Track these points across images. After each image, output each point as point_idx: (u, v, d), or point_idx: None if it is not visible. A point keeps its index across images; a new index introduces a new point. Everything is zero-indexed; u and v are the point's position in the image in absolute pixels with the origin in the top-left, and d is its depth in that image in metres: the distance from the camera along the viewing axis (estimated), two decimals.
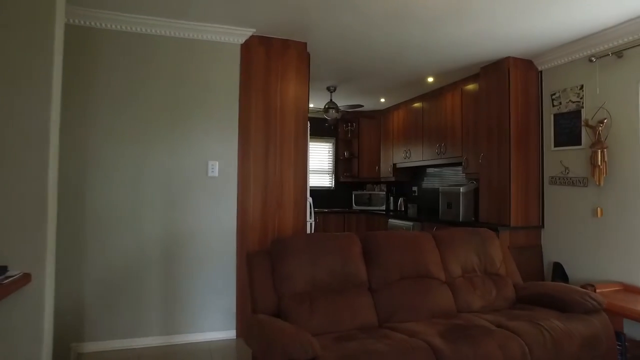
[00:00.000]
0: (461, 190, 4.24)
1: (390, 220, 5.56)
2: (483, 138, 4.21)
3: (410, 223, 5.00)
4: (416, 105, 5.67)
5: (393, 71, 4.53)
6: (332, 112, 5.20)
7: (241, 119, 3.39)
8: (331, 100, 5.30)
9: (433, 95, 5.34)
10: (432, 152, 5.26)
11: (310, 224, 3.63)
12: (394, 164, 6.28)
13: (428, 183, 5.94)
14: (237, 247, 3.31)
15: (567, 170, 3.75)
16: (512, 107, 3.93)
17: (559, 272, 3.68)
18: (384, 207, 6.63)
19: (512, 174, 3.90)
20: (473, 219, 4.33)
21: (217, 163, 3.28)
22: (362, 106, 4.81)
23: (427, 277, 2.68)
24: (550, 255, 3.90)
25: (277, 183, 3.47)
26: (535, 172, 4.00)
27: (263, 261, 2.43)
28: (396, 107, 6.27)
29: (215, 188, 3.27)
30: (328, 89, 5.26)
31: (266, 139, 3.45)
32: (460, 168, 5.10)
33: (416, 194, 6.18)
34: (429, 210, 5.78)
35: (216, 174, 3.27)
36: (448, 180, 5.41)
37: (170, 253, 3.15)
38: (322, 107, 5.29)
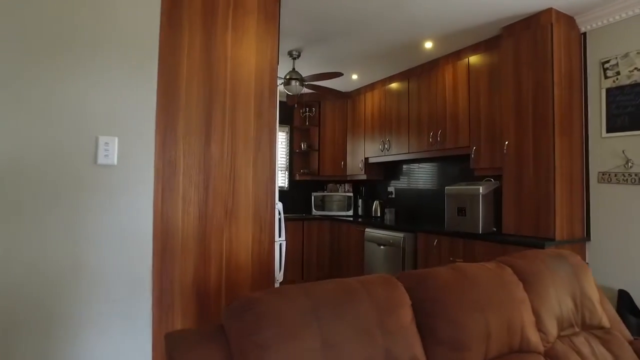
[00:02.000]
0: (480, 191, 3.10)
1: (367, 230, 4.31)
2: (508, 122, 3.11)
3: (399, 235, 3.79)
4: (398, 84, 4.49)
5: (381, 30, 3.29)
6: (295, 84, 3.83)
7: (163, 70, 1.90)
8: (294, 69, 3.93)
9: (423, 70, 4.19)
10: (422, 142, 4.10)
11: (280, 245, 2.25)
12: (366, 159, 5.07)
13: (408, 182, 4.80)
14: (152, 285, 1.83)
15: (629, 164, 2.76)
16: (555, 79, 2.86)
17: (625, 303, 2.67)
18: (351, 212, 5.39)
19: (556, 170, 2.83)
20: (494, 229, 3.21)
21: (116, 141, 1.77)
22: (340, 74, 3.52)
23: (527, 352, 1.44)
24: (601, 277, 2.89)
25: (226, 180, 2.04)
26: (578, 166, 2.98)
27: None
28: (370, 87, 5.06)
29: (112, 184, 1.76)
30: (290, 54, 3.89)
31: (207, 109, 2.00)
32: (459, 163, 4.00)
33: (393, 196, 5.01)
34: (411, 216, 4.63)
35: (113, 160, 1.76)
36: (441, 177, 4.30)
37: (16, 316, 1.58)
38: (282, 78, 3.90)
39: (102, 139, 1.74)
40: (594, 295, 1.87)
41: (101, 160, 1.74)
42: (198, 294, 1.94)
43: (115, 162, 1.77)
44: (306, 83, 3.92)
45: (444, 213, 4.14)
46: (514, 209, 3.03)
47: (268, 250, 2.12)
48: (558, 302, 1.71)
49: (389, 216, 4.78)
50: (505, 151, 3.11)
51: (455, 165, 4.11)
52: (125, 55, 1.79)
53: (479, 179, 3.68)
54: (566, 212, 2.87)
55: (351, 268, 4.75)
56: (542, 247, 2.68)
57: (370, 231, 4.23)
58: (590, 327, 1.79)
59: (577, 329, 1.75)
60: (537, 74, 2.93)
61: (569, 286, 1.79)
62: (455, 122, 3.72)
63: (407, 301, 1.28)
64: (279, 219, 2.24)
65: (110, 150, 1.76)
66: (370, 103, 4.99)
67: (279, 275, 2.21)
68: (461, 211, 3.22)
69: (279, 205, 2.22)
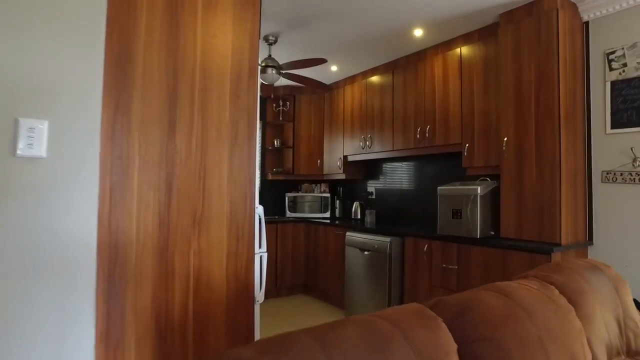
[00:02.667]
0: (479, 191, 2.82)
1: (348, 234, 3.97)
2: (507, 117, 2.86)
3: (385, 239, 3.47)
4: (382, 77, 4.18)
5: (368, 12, 2.96)
6: (272, 73, 3.43)
7: (113, 35, 1.46)
8: (270, 55, 3.52)
9: (410, 61, 3.91)
10: (408, 139, 3.81)
11: (261, 257, 1.86)
12: (345, 157, 4.73)
13: (390, 181, 4.50)
14: (96, 315, 1.39)
15: (637, 162, 2.56)
16: (561, 69, 2.62)
17: None
18: (327, 214, 5.04)
19: (562, 168, 2.59)
20: (492, 233, 2.95)
21: (46, 126, 1.32)
22: (324, 60, 3.15)
23: None
24: None
25: (195, 178, 1.62)
26: (581, 164, 2.76)
27: None
28: (351, 80, 4.73)
29: (39, 183, 1.31)
30: (266, 39, 3.49)
31: (171, 88, 1.57)
32: (449, 161, 3.74)
33: (373, 197, 4.71)
34: (393, 219, 4.34)
35: (40, 150, 1.31)
36: (427, 177, 4.02)
37: None
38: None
39: (25, 123, 1.29)
40: (636, 314, 1.60)
41: (23, 151, 1.28)
42: (158, 324, 1.51)
43: (44, 153, 1.31)
44: (284, 72, 3.52)
45: (431, 215, 3.87)
46: (514, 210, 2.78)
47: (246, 265, 1.72)
48: (605, 326, 1.43)
49: (370, 218, 4.47)
50: (504, 148, 2.85)
51: (444, 163, 3.85)
52: (62, 12, 1.34)
53: (471, 179, 3.43)
54: (571, 214, 2.65)
55: (330, 276, 4.40)
56: (549, 253, 2.43)
57: (351, 235, 3.89)
58: (636, 354, 1.52)
59: (623, 357, 1.48)
60: (540, 65, 2.69)
61: (612, 305, 1.52)
62: (446, 117, 3.45)
63: (452, 346, 0.93)
64: (260, 227, 1.85)
65: (36, 138, 1.31)
66: (350, 97, 4.66)
67: (260, 295, 1.81)
68: (456, 213, 2.94)
69: (259, 210, 1.83)
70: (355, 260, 3.82)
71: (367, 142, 4.33)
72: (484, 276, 2.77)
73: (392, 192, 4.45)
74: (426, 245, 3.21)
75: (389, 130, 4.05)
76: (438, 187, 3.10)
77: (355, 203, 4.65)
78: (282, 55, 3.85)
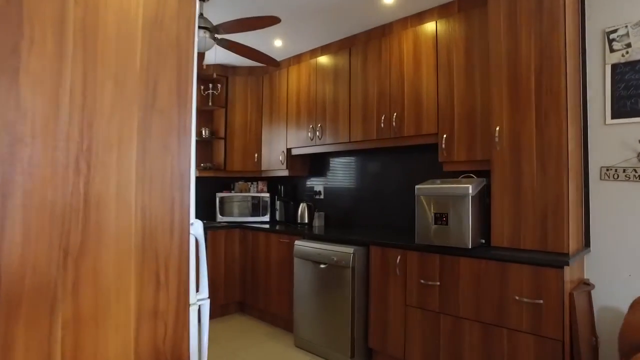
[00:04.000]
0: (470, 191, 2.30)
1: (297, 243, 3.27)
2: (500, 103, 2.38)
3: (348, 250, 2.84)
4: (336, 56, 3.54)
5: None
6: (204, 36, 2.60)
7: None
8: (202, 14, 2.69)
9: (370, 38, 3.32)
10: (369, 129, 3.22)
11: (200, 309, 1.09)
12: (289, 150, 4.02)
13: (339, 178, 3.89)
14: None
15: None
16: (568, 45, 2.19)
17: None
18: (267, 217, 4.29)
19: (570, 164, 2.16)
20: (482, 241, 2.45)
21: None
22: (277, 20, 2.39)
23: None
24: (606, 297, 2.33)
25: (64, 171, 0.82)
26: (578, 159, 2.37)
27: None
28: (297, 59, 4.02)
29: None
30: None
31: None
32: (421, 154, 3.22)
33: (321, 197, 4.06)
34: (345, 222, 3.74)
35: None
36: (391, 173, 3.47)
37: None
38: None
39: None
40: None
41: None
42: None
43: None
44: (221, 37, 2.71)
45: (398, 219, 3.33)
46: (509, 214, 2.31)
47: (175, 331, 0.95)
48: None
49: (318, 222, 3.82)
50: (496, 139, 2.37)
51: (416, 158, 3.32)
52: None
53: (449, 176, 2.93)
54: (574, 218, 2.24)
55: (274, 292, 3.67)
56: (560, 266, 1.97)
57: (302, 245, 3.20)
58: None
59: None
60: (542, 39, 2.23)
61: None
62: (417, 103, 2.91)
63: None
64: (198, 257, 1.08)
65: None
66: (296, 79, 3.96)
67: None
68: (441, 218, 2.39)
69: (196, 229, 1.07)
70: (307, 274, 3.14)
71: (317, 133, 3.67)
72: (475, 294, 2.26)
73: (344, 192, 3.85)
74: (399, 257, 2.64)
75: (344, 118, 3.43)
76: (416, 186, 2.54)
77: (301, 205, 3.97)
78: (215, 15, 3.02)
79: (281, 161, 4.07)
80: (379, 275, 2.77)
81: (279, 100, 4.14)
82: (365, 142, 3.27)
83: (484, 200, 2.46)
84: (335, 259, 2.90)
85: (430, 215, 2.45)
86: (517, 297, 2.10)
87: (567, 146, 2.14)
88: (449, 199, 2.37)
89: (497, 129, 2.37)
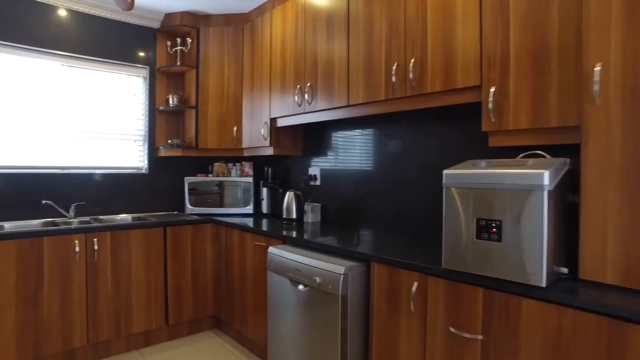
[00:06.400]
0: (545, 181, 1.26)
1: (271, 250, 2.31)
2: (609, 15, 1.29)
3: (336, 267, 1.85)
4: None
5: None
6: None
7: None
8: None
9: None
10: (374, 86, 2.18)
11: None
12: (273, 120, 3.04)
13: (341, 159, 2.88)
14: None
15: None
16: None
17: None
18: (250, 208, 3.35)
19: None
20: (563, 271, 1.41)
21: None
22: None
23: None
24: None
25: None
26: None
27: None
28: (282, 0, 2.99)
29: None
30: None
31: None
32: (454, 122, 2.18)
33: (317, 182, 3.07)
34: (350, 218, 2.75)
35: None
36: (413, 151, 2.44)
37: None
38: None
39: None
40: None
41: None
42: None
43: None
44: None
45: (421, 218, 2.33)
46: (619, 225, 1.26)
47: None
48: None
49: (312, 217, 2.85)
50: (595, 89, 1.30)
51: (444, 127, 2.28)
52: None
53: (499, 155, 1.90)
54: None
55: (249, 310, 2.76)
56: None
57: (277, 253, 2.24)
58: None
59: None
60: None
61: None
62: (448, 40, 1.84)
63: None
64: None
65: None
66: (281, 26, 2.93)
67: None
68: (488, 228, 1.37)
69: None
70: (282, 296, 2.19)
71: (306, 96, 2.66)
72: None
73: (348, 177, 2.84)
74: (415, 284, 1.64)
75: (341, 71, 2.40)
76: (444, 172, 1.50)
77: (288, 194, 2.99)
78: None
79: (263, 136, 3.09)
80: (384, 310, 1.79)
81: (262, 56, 3.13)
82: (370, 105, 2.24)
83: (565, 197, 1.42)
84: (318, 280, 1.93)
85: (470, 223, 1.42)
86: None
87: None
88: (503, 195, 1.33)
89: (598, 68, 1.30)
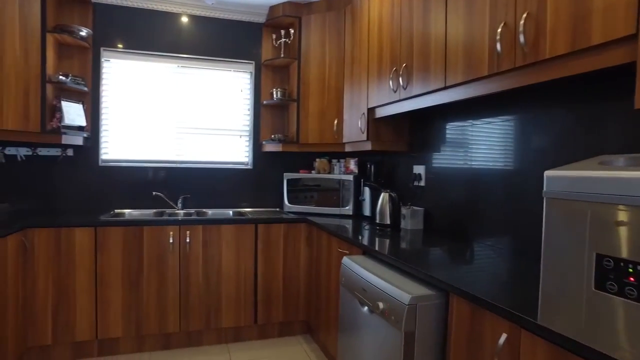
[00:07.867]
0: None
1: (344, 261, 1.98)
2: None
3: (403, 297, 1.43)
4: None
5: None
6: None
7: None
8: None
9: None
10: (478, 58, 1.64)
11: None
12: (370, 111, 2.68)
13: (451, 156, 2.35)
14: None
15: None
16: None
17: None
18: (349, 210, 3.07)
19: None
20: None
21: None
22: None
23: None
24: None
25: None
26: None
27: None
28: None
29: None
30: None
31: None
32: (591, 100, 1.52)
33: (421, 183, 2.60)
34: (458, 228, 2.22)
35: None
36: (537, 145, 1.83)
37: None
38: None
39: None
40: None
41: None
42: None
43: None
44: None
45: (539, 237, 1.73)
46: None
47: None
48: None
49: (412, 221, 2.42)
50: None
51: (574, 105, 1.62)
52: None
53: None
54: None
55: (332, 324, 2.50)
56: None
57: (349, 265, 1.90)
58: None
59: None
60: None
61: None
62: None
63: None
64: None
65: None
66: (378, 3, 2.55)
67: None
68: (618, 273, 0.80)
69: None
70: (351, 314, 1.86)
71: (401, 80, 2.23)
72: None
73: (459, 177, 2.31)
74: (504, 336, 1.13)
75: (438, 51, 1.91)
76: (546, 173, 0.96)
77: (383, 195, 2.60)
78: None
79: (361, 129, 2.76)
80: (463, 354, 1.30)
81: (360, 39, 2.81)
82: (471, 85, 1.71)
83: None
84: (381, 306, 1.53)
85: (584, 261, 0.86)
86: None
87: None
88: None
89: None
